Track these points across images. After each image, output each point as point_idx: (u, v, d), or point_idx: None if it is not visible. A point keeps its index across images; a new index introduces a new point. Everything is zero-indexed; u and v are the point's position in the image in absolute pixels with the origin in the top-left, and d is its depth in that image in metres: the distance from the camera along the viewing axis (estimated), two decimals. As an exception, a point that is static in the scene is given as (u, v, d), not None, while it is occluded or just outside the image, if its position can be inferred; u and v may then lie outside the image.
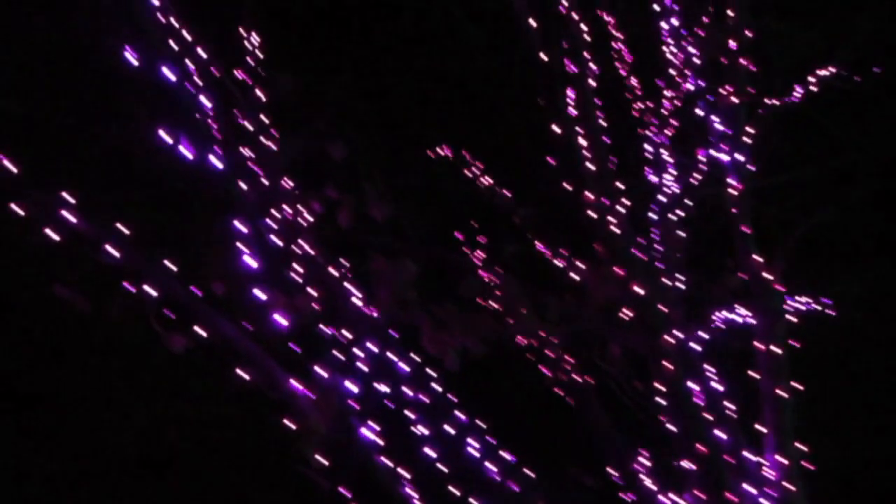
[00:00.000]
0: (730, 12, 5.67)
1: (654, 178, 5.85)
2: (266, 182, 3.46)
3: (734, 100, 5.74)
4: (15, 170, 3.44)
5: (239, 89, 3.99)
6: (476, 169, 5.93)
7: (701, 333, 5.26)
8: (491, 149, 5.86)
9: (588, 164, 5.14)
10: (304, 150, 3.66)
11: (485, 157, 5.82)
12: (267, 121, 3.71)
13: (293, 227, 3.63)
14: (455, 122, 5.85)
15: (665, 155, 5.84)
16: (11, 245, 3.81)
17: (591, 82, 5.45)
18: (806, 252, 6.16)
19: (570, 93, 5.30)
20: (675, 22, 5.88)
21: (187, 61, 3.61)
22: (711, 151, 5.71)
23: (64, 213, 3.42)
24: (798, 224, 6.04)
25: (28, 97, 4.06)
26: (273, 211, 3.52)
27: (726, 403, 5.10)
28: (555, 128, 5.04)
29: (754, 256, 5.56)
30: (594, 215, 5.10)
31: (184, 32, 3.48)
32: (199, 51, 3.71)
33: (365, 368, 3.60)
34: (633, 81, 5.95)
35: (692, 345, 5.18)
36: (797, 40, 6.57)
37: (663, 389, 5.02)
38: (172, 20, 3.37)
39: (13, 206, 3.41)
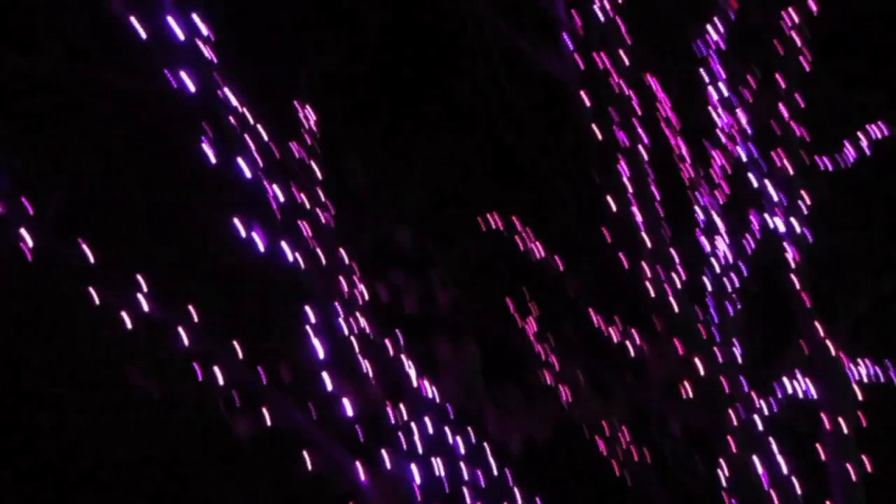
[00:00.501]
0: (779, 79, 5.75)
1: (707, 245, 5.90)
2: (334, 270, 3.52)
3: (788, 167, 5.79)
4: (92, 256, 3.55)
5: (306, 174, 4.10)
6: (528, 239, 5.99)
7: (764, 408, 5.21)
8: (543, 219, 5.91)
9: (644, 237, 5.16)
10: (372, 238, 3.73)
11: (536, 227, 5.88)
12: (331, 208, 3.80)
13: (360, 314, 3.68)
14: (506, 192, 5.93)
15: (718, 221, 5.89)
16: (87, 329, 3.90)
17: (643, 152, 5.52)
18: (871, 319, 6.11)
19: (622, 164, 5.37)
20: (723, 89, 5.97)
21: (255, 149, 3.72)
22: (767, 219, 5.73)
23: (138, 297, 3.52)
24: (861, 290, 6.02)
25: (106, 183, 4.20)
26: (340, 299, 3.57)
27: (793, 481, 5.02)
28: (610, 201, 5.09)
29: (817, 325, 5.51)
30: (652, 290, 5.11)
31: (259, 129, 3.59)
32: (264, 133, 3.82)
33: (430, 457, 3.60)
34: (683, 146, 6.02)
35: (756, 420, 5.12)
36: (848, 103, 6.62)
37: (726, 467, 4.96)
38: (247, 115, 3.48)
39: (90, 290, 3.52)
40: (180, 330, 3.51)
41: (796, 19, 5.62)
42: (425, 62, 5.48)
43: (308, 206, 3.95)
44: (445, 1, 5.12)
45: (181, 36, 3.19)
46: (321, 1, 5.19)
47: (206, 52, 3.27)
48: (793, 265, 5.70)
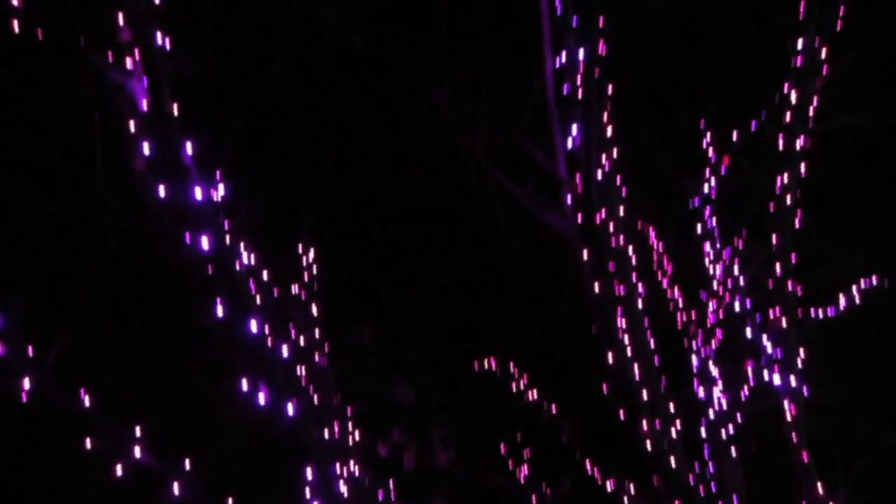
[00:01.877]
0: (773, 237, 5.93)
1: (702, 394, 5.93)
2: (336, 429, 3.56)
3: (783, 323, 5.90)
4: (89, 402, 3.57)
5: (306, 317, 4.18)
6: (522, 383, 6.03)
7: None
8: (537, 364, 5.97)
9: (642, 393, 5.22)
10: (373, 396, 3.79)
11: (532, 371, 5.93)
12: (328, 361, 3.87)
13: (356, 466, 3.68)
14: (503, 340, 6.01)
15: (713, 369, 5.95)
16: (78, 475, 3.87)
17: (640, 303, 5.64)
18: (871, 475, 6.08)
19: (620, 316, 5.48)
20: (717, 242, 6.16)
21: (260, 299, 3.82)
22: (764, 373, 5.79)
23: (134, 448, 3.52)
24: (861, 445, 6.00)
25: (110, 329, 4.26)
26: (339, 455, 3.59)
27: None
28: (608, 355, 5.17)
29: (818, 487, 5.49)
30: (650, 445, 5.13)
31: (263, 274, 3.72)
32: (266, 276, 3.93)
33: None
34: (677, 293, 6.15)
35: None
36: (839, 256, 6.81)
37: None
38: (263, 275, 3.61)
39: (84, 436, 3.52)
40: (173, 482, 3.51)
41: (786, 180, 5.92)
42: (426, 207, 5.69)
43: (305, 346, 4.03)
44: (448, 149, 5.37)
45: (199, 196, 3.35)
46: (325, 143, 5.44)
47: (221, 213, 3.41)
48: (790, 419, 5.77)
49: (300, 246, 4.75)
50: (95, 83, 3.38)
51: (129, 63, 3.48)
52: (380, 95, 5.16)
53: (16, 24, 3.25)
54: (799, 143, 5.96)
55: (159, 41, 3.48)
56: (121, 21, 3.37)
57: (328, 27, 4.50)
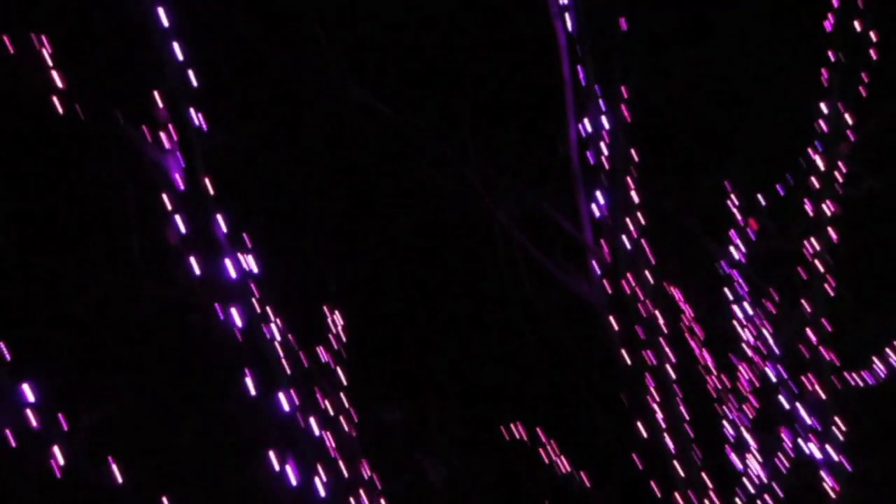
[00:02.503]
0: (805, 304, 5.88)
1: (738, 464, 5.81)
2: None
3: (819, 392, 5.80)
4: (120, 476, 3.56)
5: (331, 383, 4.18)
6: (552, 452, 5.94)
7: None
8: (568, 433, 5.90)
9: (676, 465, 5.12)
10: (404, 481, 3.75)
11: (562, 440, 5.85)
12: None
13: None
14: (532, 407, 5.96)
15: (748, 438, 5.84)
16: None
17: (671, 371, 5.58)
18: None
19: (651, 385, 5.42)
20: (747, 308, 6.11)
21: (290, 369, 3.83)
22: (800, 444, 5.68)
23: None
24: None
25: (141, 402, 4.29)
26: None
27: None
28: (640, 428, 5.10)
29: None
30: (687, 527, 5.00)
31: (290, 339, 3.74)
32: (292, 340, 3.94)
33: None
34: (708, 358, 6.08)
35: None
36: (872, 322, 6.72)
37: None
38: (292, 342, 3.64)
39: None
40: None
41: (818, 247, 5.90)
42: (452, 273, 5.71)
43: (332, 412, 4.03)
44: (474, 216, 5.41)
45: (231, 271, 3.41)
46: (352, 209, 5.50)
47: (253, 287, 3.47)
48: (832, 494, 5.62)
49: (327, 311, 4.79)
50: (132, 158, 3.49)
51: (165, 140, 3.60)
52: (405, 162, 5.25)
53: (58, 103, 3.39)
54: (827, 208, 6.05)
55: (195, 119, 3.60)
56: (158, 100, 3.50)
57: (354, 95, 4.60)
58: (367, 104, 4.61)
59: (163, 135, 3.57)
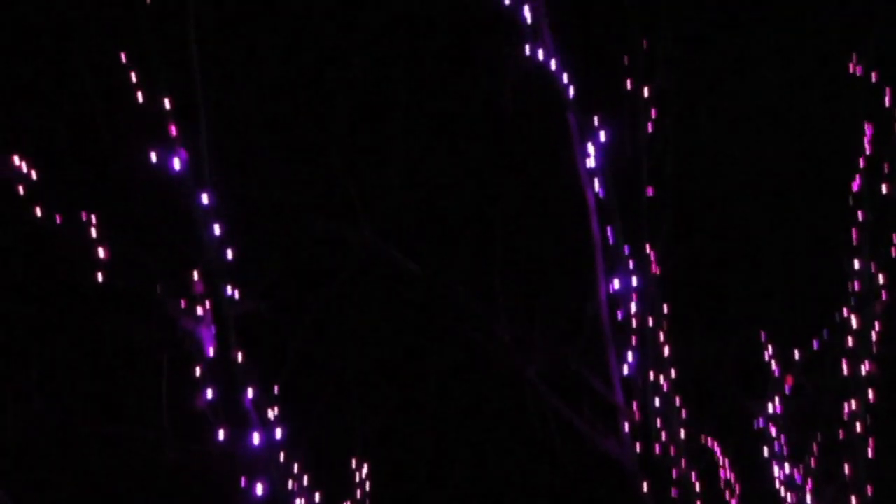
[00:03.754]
0: (846, 467, 5.70)
1: None
2: None
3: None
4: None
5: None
6: None
7: None
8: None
9: None
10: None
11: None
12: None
13: None
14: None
15: None
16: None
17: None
18: None
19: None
20: (786, 467, 5.95)
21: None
22: None
23: None
24: None
25: None
26: None
27: None
28: None
29: None
30: None
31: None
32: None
33: None
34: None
35: None
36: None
37: None
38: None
39: None
40: None
41: (854, 407, 5.76)
42: (481, 430, 5.66)
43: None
44: (505, 373, 5.41)
45: (256, 442, 3.45)
46: (380, 362, 5.53)
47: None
48: None
49: (353, 462, 4.78)
50: (168, 327, 3.63)
51: (199, 311, 3.74)
52: (435, 318, 5.32)
53: (100, 275, 3.57)
54: (864, 368, 5.95)
55: (228, 292, 3.76)
56: (195, 276, 3.66)
57: (387, 255, 4.73)
58: (399, 263, 4.74)
59: (198, 307, 3.73)
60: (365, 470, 4.78)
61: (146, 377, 4.02)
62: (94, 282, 3.56)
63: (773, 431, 6.02)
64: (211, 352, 3.68)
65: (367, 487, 4.78)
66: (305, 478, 4.08)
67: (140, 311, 3.85)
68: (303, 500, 3.89)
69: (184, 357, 3.59)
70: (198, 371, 3.67)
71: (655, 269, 5.37)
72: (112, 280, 3.65)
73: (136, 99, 3.66)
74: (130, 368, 4.15)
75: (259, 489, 3.49)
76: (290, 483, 3.63)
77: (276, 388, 3.78)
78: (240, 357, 3.67)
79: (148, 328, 3.81)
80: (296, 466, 3.91)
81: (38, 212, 3.56)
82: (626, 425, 5.12)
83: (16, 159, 3.58)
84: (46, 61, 3.96)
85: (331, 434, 4.80)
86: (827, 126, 6.01)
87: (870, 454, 5.72)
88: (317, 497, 4.17)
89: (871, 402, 5.82)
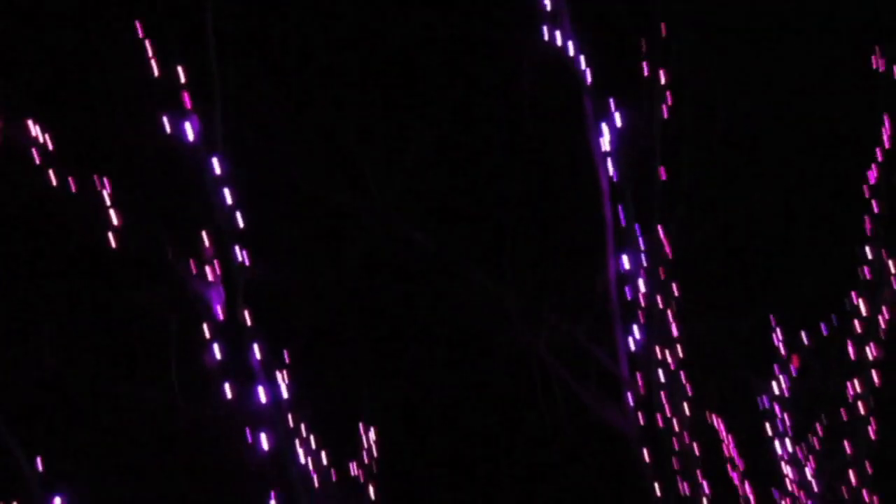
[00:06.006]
0: (847, 445, 5.50)
1: None
2: None
3: (864, 536, 5.37)
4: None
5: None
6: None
7: None
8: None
9: None
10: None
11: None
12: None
13: None
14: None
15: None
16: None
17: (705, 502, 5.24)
18: None
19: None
20: (788, 445, 5.76)
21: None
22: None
23: None
24: None
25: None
26: None
27: None
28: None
29: None
30: None
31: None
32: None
33: None
34: (749, 490, 5.71)
35: None
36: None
37: None
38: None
39: None
40: None
41: (858, 388, 5.57)
42: (489, 400, 5.54)
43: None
44: (512, 345, 5.28)
45: (263, 398, 3.39)
46: (393, 331, 5.42)
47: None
48: None
49: (361, 427, 4.69)
50: (178, 290, 3.56)
51: (209, 274, 3.67)
52: (446, 291, 5.19)
53: (112, 239, 3.51)
54: (870, 352, 5.74)
55: (238, 256, 3.67)
56: (205, 239, 3.58)
57: (394, 227, 4.61)
58: (411, 236, 4.61)
59: (207, 269, 3.65)
60: (372, 435, 4.70)
61: (157, 338, 3.98)
62: (107, 246, 3.50)
63: (778, 410, 5.89)
64: (220, 313, 3.62)
65: (375, 453, 4.71)
66: (312, 439, 4.01)
67: (152, 275, 3.79)
68: (309, 459, 3.82)
69: (194, 319, 3.53)
70: (206, 331, 3.61)
71: (667, 251, 5.23)
72: (125, 244, 3.59)
73: (151, 68, 3.58)
74: (142, 330, 4.11)
75: (264, 443, 3.41)
76: (296, 442, 3.55)
77: (286, 354, 3.71)
78: (248, 318, 3.59)
79: (159, 291, 3.76)
80: (303, 428, 3.83)
81: (53, 177, 3.52)
82: (630, 397, 4.99)
83: (30, 125, 3.54)
84: (62, 29, 3.89)
85: (339, 400, 4.73)
86: (846, 116, 5.78)
87: (871, 434, 5.55)
88: (323, 457, 4.11)
89: (876, 385, 5.68)
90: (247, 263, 3.60)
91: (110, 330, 4.19)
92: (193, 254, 3.66)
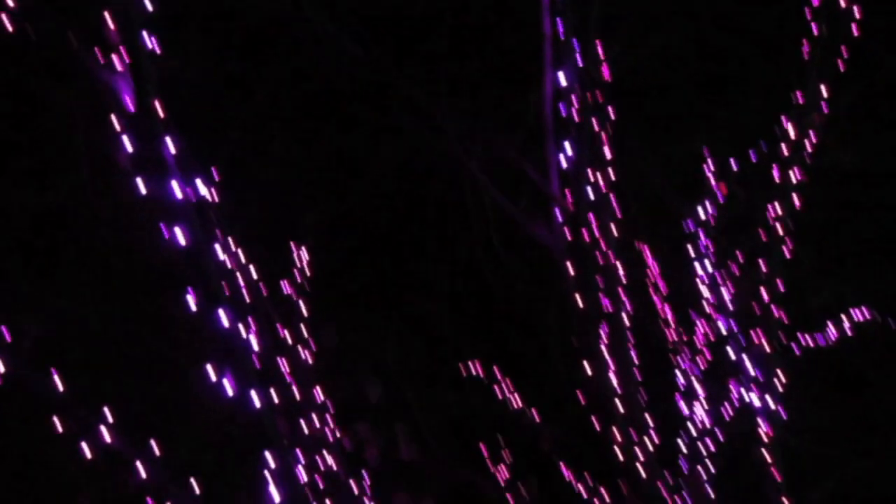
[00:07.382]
0: (762, 264, 5.65)
1: (685, 409, 5.69)
2: (301, 421, 3.40)
3: (765, 345, 5.62)
4: (62, 386, 3.45)
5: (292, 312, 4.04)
6: (507, 389, 5.83)
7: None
8: (523, 371, 5.77)
9: (618, 403, 4.98)
10: (340, 391, 3.63)
11: (516, 378, 5.73)
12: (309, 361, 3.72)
13: (327, 455, 3.52)
14: (490, 345, 5.80)
15: (697, 387, 5.69)
16: (47, 456, 3.76)
17: (626, 319, 5.40)
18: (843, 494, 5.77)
19: (603, 331, 5.25)
20: (708, 266, 5.90)
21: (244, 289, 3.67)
22: (743, 393, 5.53)
23: (101, 428, 3.41)
24: (831, 471, 5.73)
25: (86, 317, 4.13)
26: (304, 443, 3.44)
27: None
28: (586, 366, 4.95)
29: (785, 501, 5.24)
30: (620, 454, 4.89)
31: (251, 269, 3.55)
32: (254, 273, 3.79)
33: None
34: (668, 312, 5.90)
35: None
36: (829, 289, 6.48)
37: None
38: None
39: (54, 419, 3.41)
40: (139, 464, 3.39)
41: (780, 211, 5.63)
42: (422, 219, 5.48)
43: (290, 342, 3.89)
44: (446, 164, 5.17)
45: (179, 195, 3.23)
46: (322, 147, 5.23)
47: (204, 207, 3.28)
48: (765, 440, 5.52)
49: (294, 246, 4.60)
50: (84, 81, 3.28)
51: (116, 62, 3.38)
52: (376, 103, 4.97)
53: (7, 22, 3.17)
54: (794, 175, 5.77)
55: (147, 43, 3.37)
56: (109, 21, 3.26)
57: (325, 36, 4.31)
58: (340, 44, 4.33)
59: (115, 57, 3.37)
60: (305, 255, 4.62)
61: (65, 131, 3.73)
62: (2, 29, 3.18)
63: (702, 235, 5.98)
64: (130, 104, 3.38)
65: (308, 272, 4.65)
66: (241, 254, 3.89)
67: (55, 64, 3.50)
68: (228, 257, 3.69)
69: (102, 111, 3.29)
70: (116, 124, 3.39)
71: (606, 71, 5.07)
72: (22, 29, 3.26)
73: None
74: (50, 122, 3.84)
75: (180, 238, 3.29)
76: (217, 238, 3.43)
77: (214, 171, 3.50)
78: (160, 110, 3.35)
79: (64, 81, 3.48)
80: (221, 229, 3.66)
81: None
82: (559, 213, 4.97)
83: None
84: None
85: (271, 218, 4.60)
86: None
87: (786, 254, 5.70)
88: (253, 272, 4.02)
89: (796, 207, 5.76)
90: (157, 52, 3.33)
91: (14, 125, 3.91)
92: (99, 41, 3.36)
